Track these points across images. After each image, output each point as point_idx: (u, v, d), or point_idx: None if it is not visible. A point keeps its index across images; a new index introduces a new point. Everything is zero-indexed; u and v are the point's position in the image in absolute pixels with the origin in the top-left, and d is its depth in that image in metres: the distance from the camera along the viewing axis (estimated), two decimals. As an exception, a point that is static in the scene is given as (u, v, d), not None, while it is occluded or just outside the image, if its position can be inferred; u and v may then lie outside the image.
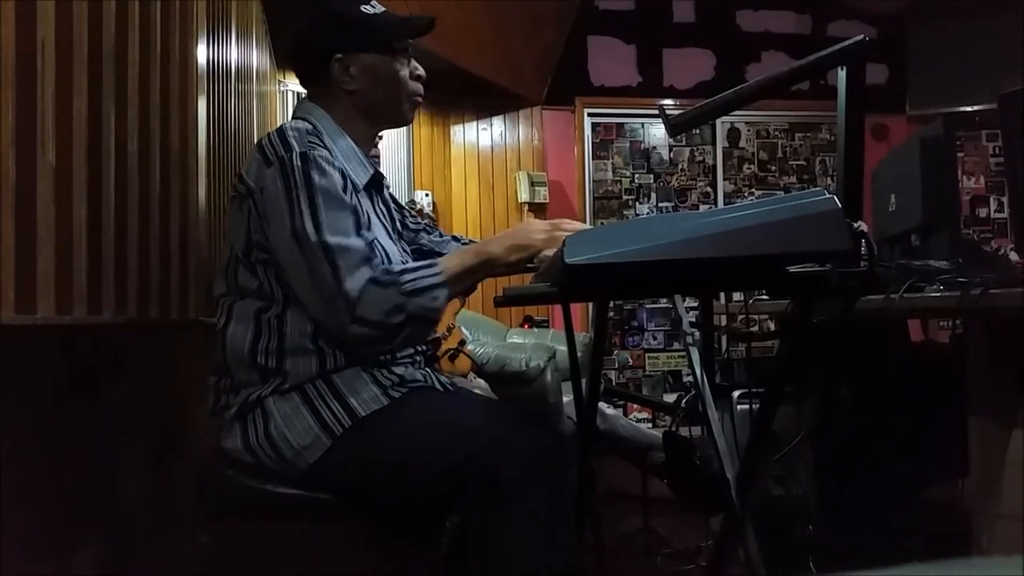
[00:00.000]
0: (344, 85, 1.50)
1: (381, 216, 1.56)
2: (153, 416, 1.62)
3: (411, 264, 1.36)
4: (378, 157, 4.16)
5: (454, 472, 1.26)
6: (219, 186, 2.14)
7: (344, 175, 1.39)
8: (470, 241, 1.93)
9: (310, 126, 1.44)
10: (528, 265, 1.99)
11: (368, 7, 1.53)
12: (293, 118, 1.51)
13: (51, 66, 1.08)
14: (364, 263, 1.30)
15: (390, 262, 1.43)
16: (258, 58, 3.30)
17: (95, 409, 1.31)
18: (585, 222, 5.37)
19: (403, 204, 1.80)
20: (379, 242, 1.43)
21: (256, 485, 1.34)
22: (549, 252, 1.39)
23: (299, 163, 1.32)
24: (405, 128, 5.03)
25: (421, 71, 1.58)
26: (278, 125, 1.42)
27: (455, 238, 1.91)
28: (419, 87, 1.57)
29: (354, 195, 1.41)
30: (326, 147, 1.41)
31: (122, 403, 1.42)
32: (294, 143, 1.34)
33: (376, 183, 1.56)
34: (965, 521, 1.79)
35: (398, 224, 1.66)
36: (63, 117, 1.11)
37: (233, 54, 2.49)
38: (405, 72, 1.54)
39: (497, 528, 1.23)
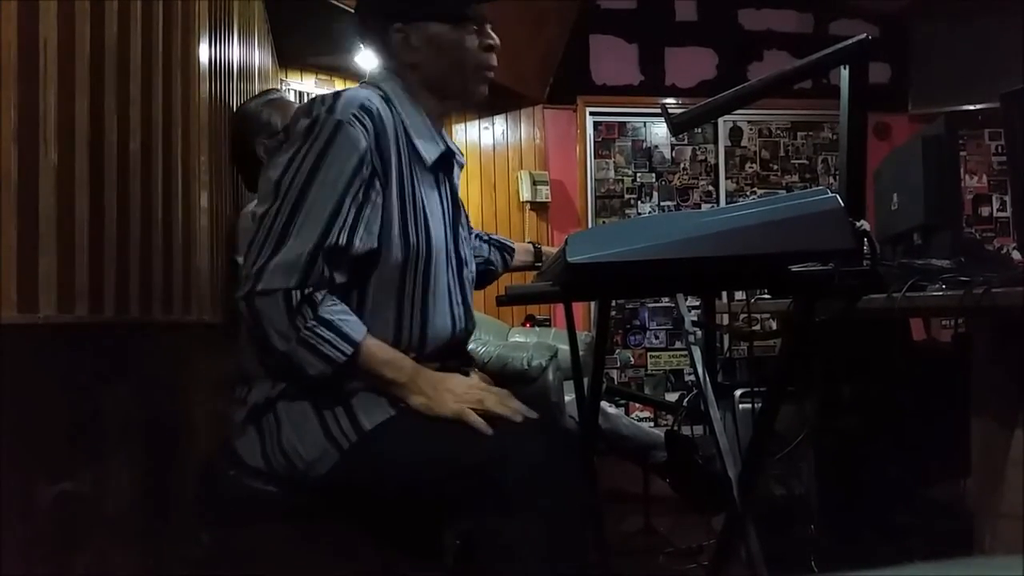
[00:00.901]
0: (404, 58, 1.41)
1: (444, 197, 1.46)
2: (155, 416, 1.62)
3: (340, 323, 1.24)
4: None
5: (462, 480, 1.20)
6: (221, 186, 2.14)
7: (396, 146, 1.33)
8: (489, 237, 1.90)
9: (380, 92, 1.37)
10: (535, 263, 2.00)
11: None
12: (364, 84, 1.43)
13: (53, 65, 1.08)
14: (299, 269, 1.22)
15: (429, 250, 1.35)
16: (260, 57, 3.30)
17: (97, 408, 1.31)
18: (586, 225, 5.39)
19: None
20: (428, 225, 1.36)
21: (259, 486, 1.34)
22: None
23: (330, 130, 1.25)
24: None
25: (493, 40, 1.43)
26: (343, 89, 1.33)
27: (478, 235, 1.86)
28: (490, 59, 1.43)
29: (409, 170, 1.34)
30: (393, 116, 1.34)
31: (124, 403, 1.42)
32: (339, 108, 1.27)
33: (446, 162, 1.46)
34: (967, 520, 1.79)
35: (460, 210, 1.55)
36: (65, 116, 1.11)
37: (235, 53, 2.49)
38: (473, 42, 1.41)
39: (507, 536, 1.17)
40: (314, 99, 1.33)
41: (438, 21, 1.40)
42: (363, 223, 1.28)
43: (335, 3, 3.43)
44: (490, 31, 1.44)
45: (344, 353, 1.24)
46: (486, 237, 1.90)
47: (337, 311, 1.25)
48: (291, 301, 1.22)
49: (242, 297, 1.25)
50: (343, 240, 1.26)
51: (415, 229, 1.35)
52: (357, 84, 1.47)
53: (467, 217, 1.66)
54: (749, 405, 2.35)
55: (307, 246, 1.23)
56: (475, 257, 1.80)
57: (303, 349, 1.23)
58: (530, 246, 1.99)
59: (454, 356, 1.49)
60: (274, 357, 1.27)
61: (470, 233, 1.77)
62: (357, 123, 1.27)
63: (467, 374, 1.52)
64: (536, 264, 1.98)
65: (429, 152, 1.40)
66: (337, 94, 1.30)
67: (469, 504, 1.19)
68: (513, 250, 1.93)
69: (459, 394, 1.27)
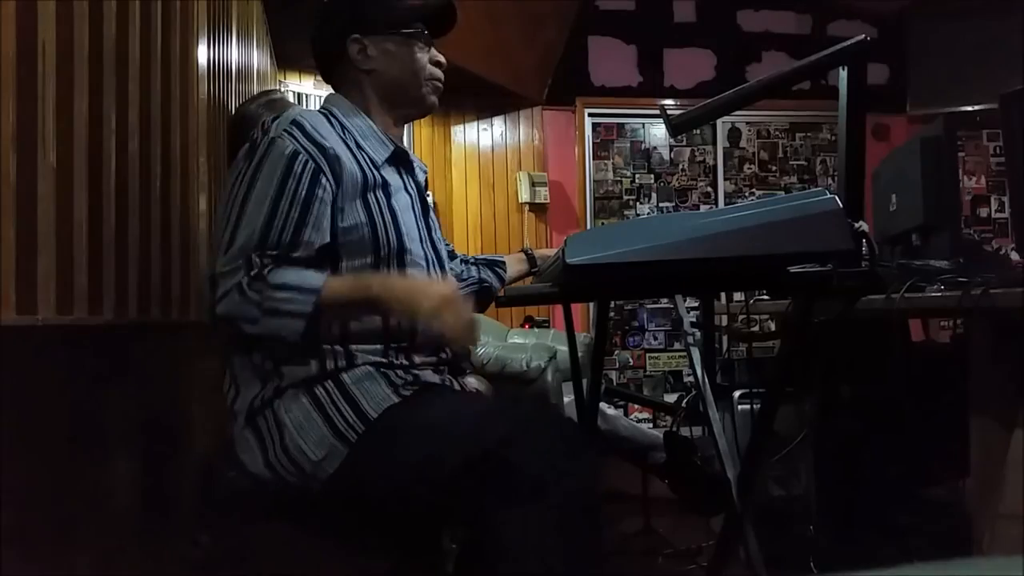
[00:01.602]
0: (360, 65, 1.49)
1: (410, 191, 1.53)
2: (154, 417, 1.62)
3: (295, 281, 1.27)
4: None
5: (473, 470, 1.20)
6: (220, 187, 2.14)
7: (349, 152, 1.38)
8: (475, 259, 1.89)
9: (322, 111, 1.45)
10: (532, 270, 1.98)
11: None
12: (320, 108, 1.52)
13: (52, 67, 1.08)
14: (242, 268, 1.27)
15: (399, 241, 1.40)
16: (259, 58, 3.30)
17: (96, 410, 1.31)
18: (585, 226, 5.39)
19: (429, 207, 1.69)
20: (395, 215, 1.41)
21: (258, 487, 1.33)
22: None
23: (263, 149, 1.33)
24: (406, 128, 5.03)
25: (441, 58, 1.55)
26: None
27: (464, 259, 1.86)
28: (438, 72, 1.55)
29: (366, 168, 1.40)
30: (336, 128, 1.40)
31: (123, 404, 1.42)
32: (272, 128, 1.35)
33: (401, 159, 1.53)
34: (966, 521, 1.79)
35: (429, 207, 1.61)
36: (64, 118, 1.11)
37: (234, 54, 2.49)
38: (424, 56, 1.52)
39: (519, 523, 1.16)
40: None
41: (393, 35, 1.49)
42: (311, 221, 1.32)
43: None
44: (436, 51, 1.56)
45: (309, 302, 1.26)
46: (472, 260, 1.88)
47: (289, 273, 1.28)
48: (242, 287, 1.26)
49: (208, 310, 1.30)
50: (286, 238, 1.30)
51: (382, 221, 1.39)
52: None
53: (437, 220, 1.69)
54: (748, 406, 2.36)
55: (249, 244, 1.28)
56: (466, 280, 1.83)
57: (270, 318, 1.25)
58: (522, 254, 1.97)
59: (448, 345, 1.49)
60: (261, 347, 1.31)
61: (454, 258, 1.80)
62: (287, 136, 1.34)
63: (464, 370, 1.52)
64: (532, 270, 1.96)
65: (378, 153, 1.46)
66: (275, 118, 1.38)
67: (483, 489, 1.19)
68: (504, 263, 1.91)
69: (429, 302, 1.26)
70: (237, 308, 1.26)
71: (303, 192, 1.31)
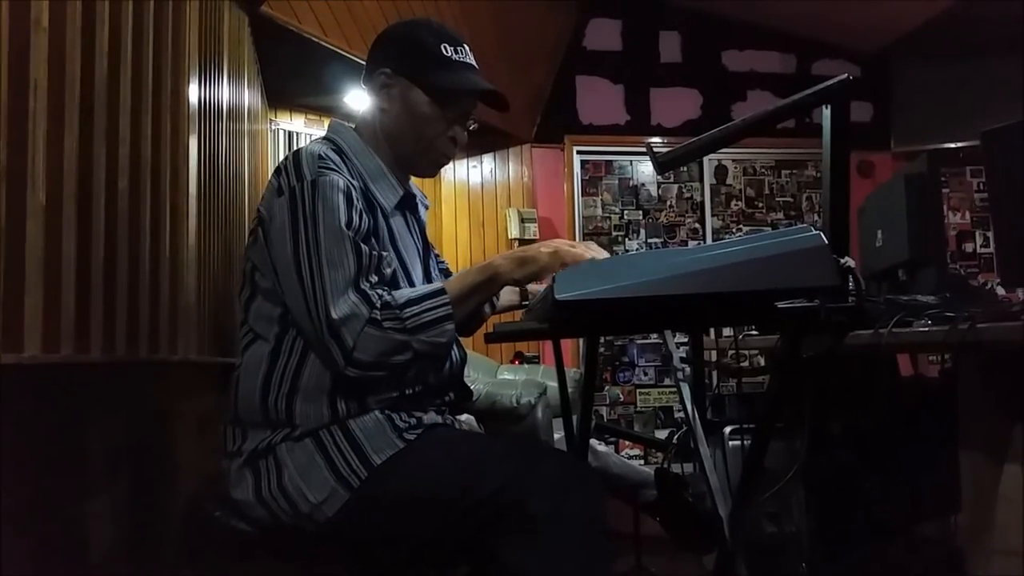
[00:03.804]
0: (379, 100, 1.47)
1: (414, 234, 1.52)
2: (141, 456, 1.60)
3: (415, 293, 1.28)
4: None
5: (480, 509, 1.21)
6: (210, 225, 2.14)
7: (361, 195, 1.36)
8: None
9: (331, 145, 1.42)
10: (523, 303, 1.98)
11: (450, 48, 1.47)
12: (322, 138, 1.48)
13: (43, 104, 1.08)
14: (362, 303, 1.24)
15: (411, 285, 1.41)
16: (249, 97, 3.32)
17: (82, 448, 1.29)
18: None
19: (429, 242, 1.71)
20: (404, 264, 1.41)
21: (243, 527, 1.32)
22: (544, 283, 1.35)
23: (309, 193, 1.28)
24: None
25: (462, 137, 1.52)
26: (295, 149, 1.36)
27: None
28: (449, 149, 1.51)
29: (377, 215, 1.39)
30: (347, 166, 1.38)
31: (110, 442, 1.40)
32: (306, 171, 1.31)
33: (409, 203, 1.52)
34: (959, 556, 1.78)
35: (430, 246, 1.61)
36: (54, 156, 1.11)
37: (225, 93, 2.50)
38: (442, 127, 1.48)
39: (532, 559, 1.16)
40: (277, 173, 1.36)
41: (422, 91, 1.45)
42: (383, 240, 1.35)
43: (324, 45, 3.47)
44: (465, 129, 1.51)
45: (444, 302, 1.27)
46: None
47: (404, 290, 1.29)
48: (377, 323, 1.24)
49: (344, 360, 1.24)
50: (375, 262, 1.30)
51: (394, 269, 1.39)
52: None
53: (437, 255, 1.71)
54: (739, 442, 2.35)
55: (349, 280, 1.25)
56: None
57: (421, 335, 1.25)
58: (515, 285, 1.98)
59: (452, 387, 1.50)
60: (414, 369, 1.30)
61: (448, 276, 1.79)
62: (327, 170, 1.32)
63: (465, 410, 1.52)
64: (523, 303, 1.97)
65: (387, 199, 1.44)
66: (296, 161, 1.34)
67: (488, 533, 1.19)
68: None
69: (547, 247, 1.32)
70: (383, 343, 1.23)
71: (367, 217, 1.33)
